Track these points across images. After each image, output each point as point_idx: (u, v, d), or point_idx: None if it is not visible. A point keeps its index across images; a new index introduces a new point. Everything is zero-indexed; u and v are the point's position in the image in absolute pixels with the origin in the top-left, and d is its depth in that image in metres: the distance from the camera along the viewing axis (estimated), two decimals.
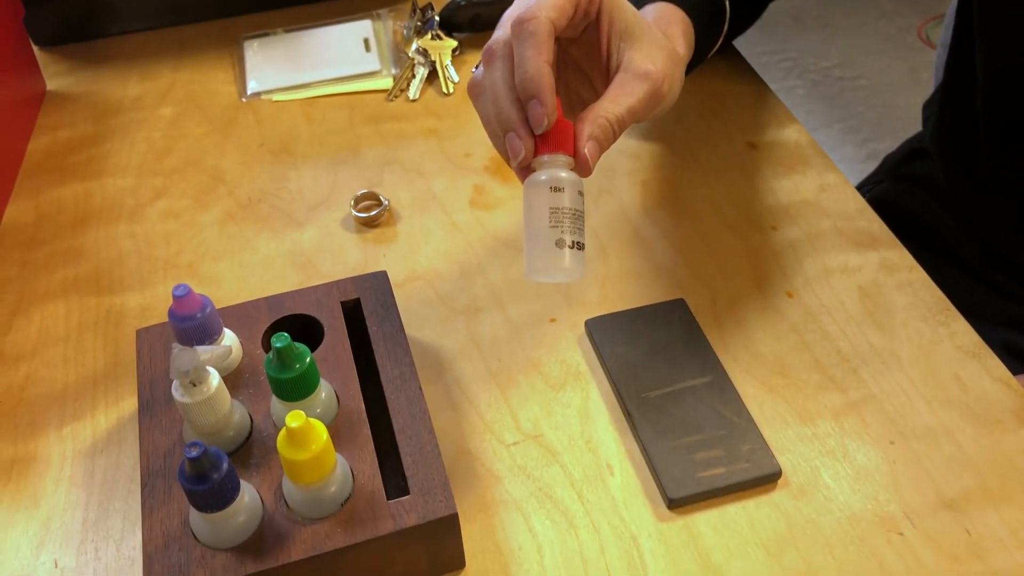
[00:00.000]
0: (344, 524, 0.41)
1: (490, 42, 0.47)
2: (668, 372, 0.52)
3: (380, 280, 0.52)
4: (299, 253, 0.62)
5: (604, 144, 0.46)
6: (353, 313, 0.51)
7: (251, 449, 0.44)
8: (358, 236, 0.63)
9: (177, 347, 0.41)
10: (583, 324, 0.56)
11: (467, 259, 0.61)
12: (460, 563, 0.45)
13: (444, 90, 0.74)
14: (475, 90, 0.48)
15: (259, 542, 0.41)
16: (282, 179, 0.67)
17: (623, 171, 0.66)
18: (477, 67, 0.49)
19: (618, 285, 0.58)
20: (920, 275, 0.58)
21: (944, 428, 0.50)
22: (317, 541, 0.40)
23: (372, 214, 0.63)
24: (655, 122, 0.70)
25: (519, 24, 0.45)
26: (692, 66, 0.58)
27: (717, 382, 0.52)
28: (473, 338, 0.56)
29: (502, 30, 0.47)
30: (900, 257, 0.59)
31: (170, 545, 0.41)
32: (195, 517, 0.41)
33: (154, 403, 0.46)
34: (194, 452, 0.37)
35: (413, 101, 0.74)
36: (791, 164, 0.66)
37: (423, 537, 0.42)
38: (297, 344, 0.43)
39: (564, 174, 0.45)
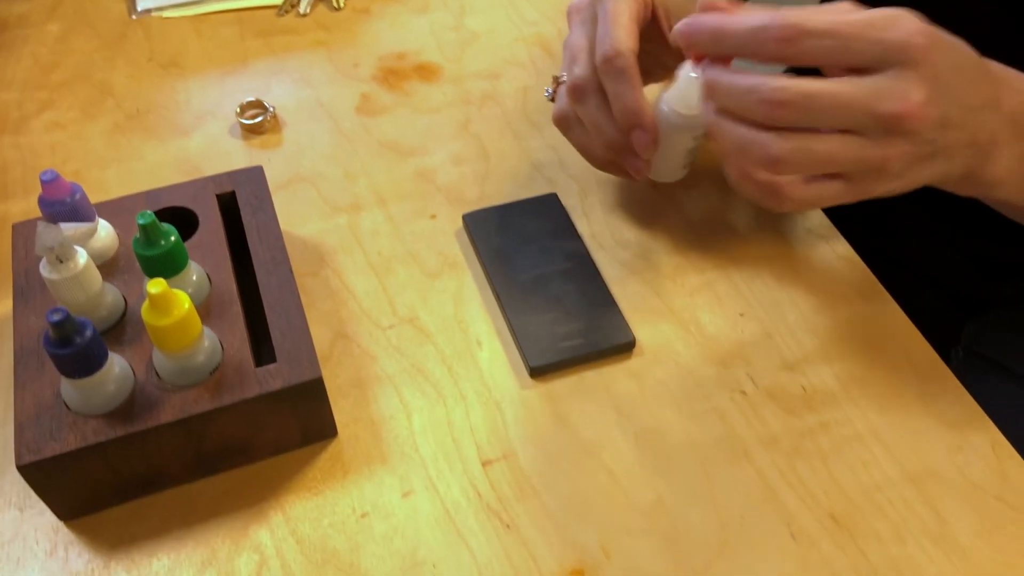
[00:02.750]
0: (212, 390, 0.43)
1: (575, 79, 0.50)
2: (538, 258, 0.55)
3: (256, 174, 0.53)
4: (185, 159, 0.63)
5: None
6: (230, 206, 0.53)
7: (124, 328, 0.46)
8: (244, 143, 0.64)
9: (41, 224, 0.42)
10: (461, 219, 0.58)
11: (351, 162, 0.62)
12: (332, 431, 0.48)
13: (335, 5, 0.75)
14: (566, 123, 0.53)
15: (129, 408, 0.42)
16: (170, 91, 0.68)
17: (507, 77, 0.68)
18: (551, 95, 0.53)
19: (497, 183, 0.61)
20: None
21: (790, 300, 0.54)
22: (186, 405, 0.43)
23: (257, 120, 0.64)
24: (540, 30, 0.72)
25: (607, 63, 0.48)
26: None
27: (582, 265, 0.55)
28: (354, 234, 0.58)
29: (581, 66, 0.50)
30: None
31: (41, 414, 0.42)
32: (66, 387, 0.43)
33: (29, 290, 0.47)
34: (56, 317, 0.39)
35: (304, 16, 0.74)
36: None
37: (290, 401, 0.44)
38: (163, 223, 0.44)
39: (700, 121, 0.49)
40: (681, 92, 0.50)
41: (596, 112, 0.50)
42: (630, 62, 0.48)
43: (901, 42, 0.39)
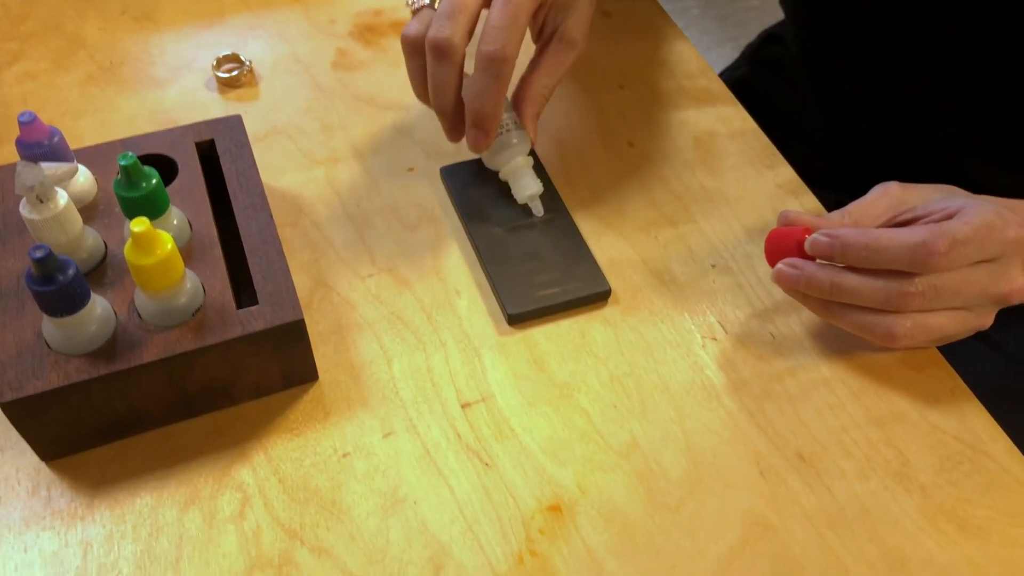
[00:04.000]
0: (195, 330, 0.44)
1: (441, 39, 0.48)
2: (515, 211, 0.56)
3: (234, 123, 0.53)
4: (160, 111, 0.62)
5: (541, 111, 0.55)
6: (208, 154, 0.53)
7: (105, 270, 0.46)
8: (220, 96, 0.64)
9: (21, 163, 0.42)
10: (439, 172, 0.59)
11: (328, 116, 0.63)
12: (313, 375, 0.48)
13: None
14: (412, 48, 0.51)
15: (112, 348, 0.43)
16: (144, 44, 0.68)
17: None
18: (415, 7, 0.52)
19: None
20: (751, 125, 0.63)
21: (760, 253, 0.55)
22: (168, 345, 0.43)
23: (234, 74, 0.64)
24: None
25: (489, 59, 0.48)
26: None
27: (559, 218, 0.56)
28: (332, 186, 0.58)
29: (453, 28, 0.48)
30: (735, 111, 0.64)
31: (23, 354, 0.42)
32: (48, 327, 0.43)
33: (7, 232, 0.47)
34: (39, 254, 0.39)
35: None
36: (643, 31, 0.70)
37: (272, 343, 0.45)
38: (144, 166, 0.44)
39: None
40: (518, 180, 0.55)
41: (446, 76, 0.49)
42: (508, 69, 0.48)
43: (1019, 238, 0.45)
